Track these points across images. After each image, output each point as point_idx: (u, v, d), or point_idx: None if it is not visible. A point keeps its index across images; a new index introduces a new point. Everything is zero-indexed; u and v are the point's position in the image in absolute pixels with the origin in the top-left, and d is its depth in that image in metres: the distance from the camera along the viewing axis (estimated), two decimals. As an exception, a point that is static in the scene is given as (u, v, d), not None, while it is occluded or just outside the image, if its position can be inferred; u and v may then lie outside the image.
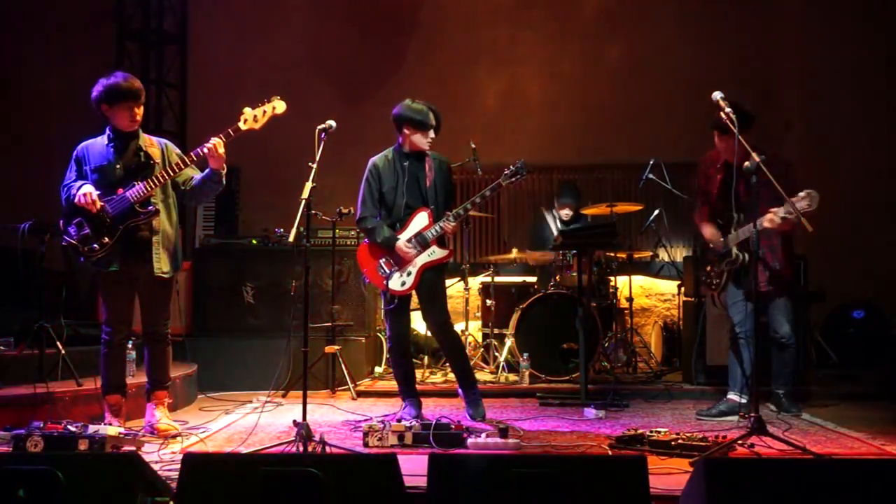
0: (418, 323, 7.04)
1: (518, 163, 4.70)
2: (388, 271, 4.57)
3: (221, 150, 4.14)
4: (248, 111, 4.19)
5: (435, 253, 4.59)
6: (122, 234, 4.11)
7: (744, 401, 4.61)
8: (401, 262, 4.56)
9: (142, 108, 4.27)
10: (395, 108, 4.69)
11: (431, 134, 4.65)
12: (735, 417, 4.60)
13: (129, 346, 5.07)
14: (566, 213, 6.76)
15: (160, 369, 4.37)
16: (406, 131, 4.63)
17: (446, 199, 4.69)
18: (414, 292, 4.67)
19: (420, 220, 4.60)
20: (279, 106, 4.24)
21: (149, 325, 4.33)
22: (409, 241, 4.55)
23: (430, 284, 4.65)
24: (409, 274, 4.57)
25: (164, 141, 4.42)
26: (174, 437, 4.08)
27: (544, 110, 8.08)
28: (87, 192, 4.12)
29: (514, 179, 4.69)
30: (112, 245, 4.10)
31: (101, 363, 4.27)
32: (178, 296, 4.70)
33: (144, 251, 4.19)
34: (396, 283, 4.56)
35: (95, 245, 4.10)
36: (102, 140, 4.30)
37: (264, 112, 4.20)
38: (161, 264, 4.23)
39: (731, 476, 2.54)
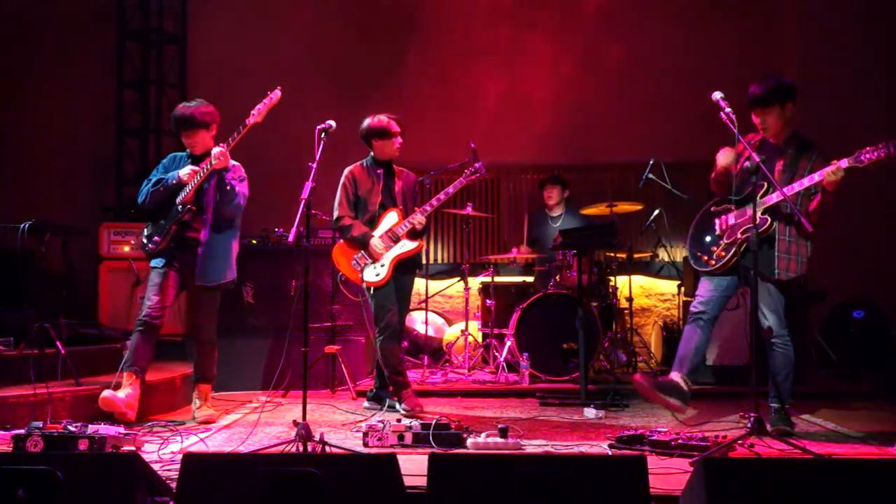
0: (418, 323, 7.06)
1: (477, 164, 5.06)
2: (361, 265, 4.90)
3: (226, 158, 4.57)
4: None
5: (405, 245, 4.94)
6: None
7: (685, 387, 4.29)
8: (373, 257, 4.88)
9: (200, 132, 4.67)
10: (360, 128, 5.09)
11: (398, 140, 5.05)
12: (675, 400, 4.26)
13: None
14: (552, 198, 6.79)
15: (202, 367, 4.79)
16: (375, 143, 5.04)
17: (413, 205, 5.10)
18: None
19: (390, 217, 4.98)
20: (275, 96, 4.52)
21: (192, 327, 4.82)
22: (381, 237, 4.90)
23: (404, 286, 5.06)
24: (382, 266, 4.90)
25: (234, 161, 4.72)
26: (209, 423, 4.56)
27: (544, 110, 8.07)
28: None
29: (474, 177, 5.08)
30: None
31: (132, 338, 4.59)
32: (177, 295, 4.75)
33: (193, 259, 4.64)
34: (371, 274, 4.89)
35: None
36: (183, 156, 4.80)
37: (264, 104, 4.49)
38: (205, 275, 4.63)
39: (731, 476, 2.54)
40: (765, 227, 4.12)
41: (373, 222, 4.97)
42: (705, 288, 4.41)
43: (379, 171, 5.06)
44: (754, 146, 4.32)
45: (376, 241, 4.88)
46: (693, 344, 4.36)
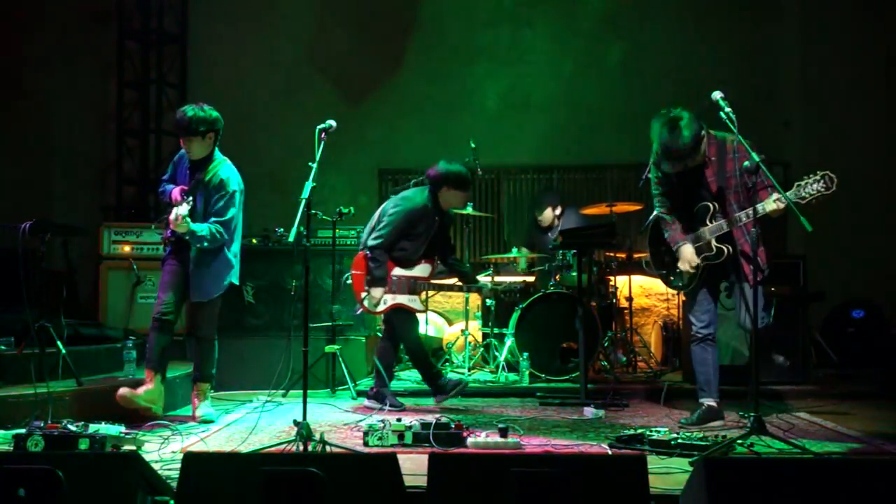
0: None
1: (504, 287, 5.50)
2: (367, 289, 5.01)
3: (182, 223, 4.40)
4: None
5: (415, 303, 5.07)
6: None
7: (716, 405, 4.39)
8: (371, 299, 5.00)
9: (193, 141, 4.54)
10: (433, 171, 5.05)
11: (465, 194, 5.11)
12: (718, 422, 4.36)
13: (130, 345, 5.09)
14: (544, 220, 6.81)
15: (201, 366, 4.77)
16: (450, 191, 5.00)
17: (448, 249, 5.28)
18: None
19: (423, 269, 5.10)
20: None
21: (192, 327, 4.81)
22: (400, 279, 5.00)
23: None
24: (384, 302, 5.01)
25: (222, 178, 4.61)
26: (208, 422, 4.56)
27: (544, 110, 8.07)
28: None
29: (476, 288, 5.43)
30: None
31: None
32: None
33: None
34: (370, 302, 5.02)
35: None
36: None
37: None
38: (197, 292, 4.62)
39: (731, 476, 2.54)
40: (724, 256, 4.21)
41: (401, 262, 5.04)
42: (701, 309, 4.44)
43: (436, 219, 5.04)
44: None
45: (376, 292, 4.96)
46: (711, 365, 4.44)
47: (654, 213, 4.64)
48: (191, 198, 4.44)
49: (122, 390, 4.36)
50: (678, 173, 4.37)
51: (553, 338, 6.05)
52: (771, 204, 3.99)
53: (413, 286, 5.02)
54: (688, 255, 4.36)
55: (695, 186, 4.34)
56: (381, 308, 5.03)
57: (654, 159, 4.54)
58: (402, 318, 5.11)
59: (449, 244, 5.34)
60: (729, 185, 4.23)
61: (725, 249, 4.22)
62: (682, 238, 4.41)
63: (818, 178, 3.87)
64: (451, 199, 5.03)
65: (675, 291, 6.99)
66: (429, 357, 5.29)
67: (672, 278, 4.54)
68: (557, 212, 6.86)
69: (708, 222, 4.29)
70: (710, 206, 4.28)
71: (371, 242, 5.01)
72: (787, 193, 3.93)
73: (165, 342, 4.59)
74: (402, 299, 5.02)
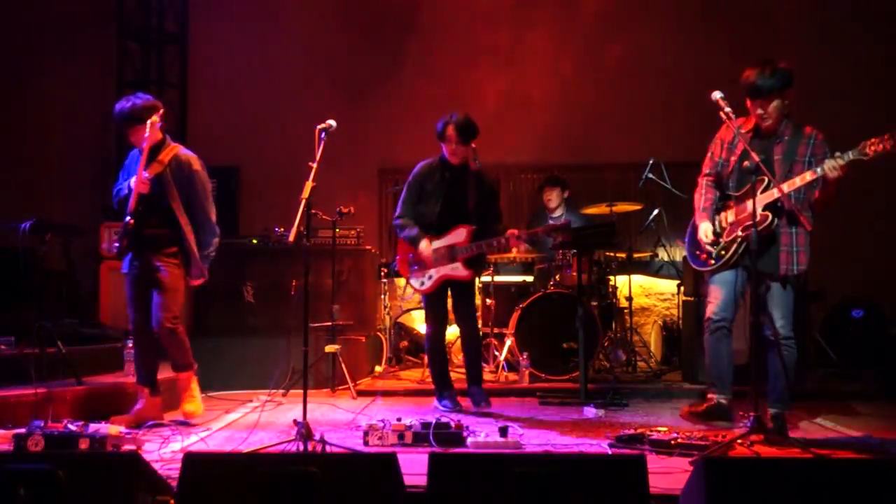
0: (419, 323, 7.06)
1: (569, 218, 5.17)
2: (414, 267, 5.00)
3: None
4: None
5: (457, 269, 4.94)
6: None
7: (727, 404, 4.20)
8: (423, 264, 4.96)
9: (136, 128, 4.46)
10: None
11: (452, 145, 4.92)
12: (725, 423, 4.15)
13: (130, 345, 5.09)
14: (552, 200, 6.78)
15: (172, 356, 4.58)
16: (441, 145, 4.99)
17: (490, 217, 5.04)
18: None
19: (457, 234, 4.96)
20: None
21: (158, 320, 4.52)
22: (438, 249, 4.93)
23: (461, 290, 5.08)
24: (429, 277, 4.98)
25: (182, 158, 4.54)
26: (194, 415, 4.52)
27: (544, 110, 8.07)
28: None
29: (552, 235, 5.37)
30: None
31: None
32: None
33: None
34: (416, 281, 5.03)
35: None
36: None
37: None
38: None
39: (730, 476, 2.54)
40: (765, 224, 3.91)
41: (432, 230, 4.96)
42: (719, 292, 4.16)
43: (446, 175, 4.96)
44: (748, 133, 4.14)
45: (426, 248, 4.90)
46: (725, 359, 4.20)
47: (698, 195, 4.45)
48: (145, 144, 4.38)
49: (113, 419, 4.29)
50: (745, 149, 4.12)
51: (553, 338, 6.05)
52: (831, 161, 3.80)
53: (451, 253, 4.94)
54: (706, 230, 4.20)
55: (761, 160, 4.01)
56: (427, 285, 4.98)
57: (710, 157, 4.40)
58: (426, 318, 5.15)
59: (492, 211, 5.10)
60: (794, 169, 3.99)
61: (769, 216, 3.93)
62: (704, 217, 4.25)
63: (885, 137, 3.78)
64: (447, 152, 4.96)
65: (675, 291, 7.01)
66: (444, 349, 5.25)
67: (701, 254, 4.24)
68: (566, 194, 6.85)
69: (759, 194, 3.94)
70: (767, 179, 3.96)
71: (394, 220, 5.16)
72: (850, 151, 3.81)
73: (148, 354, 4.57)
74: (445, 270, 4.95)
